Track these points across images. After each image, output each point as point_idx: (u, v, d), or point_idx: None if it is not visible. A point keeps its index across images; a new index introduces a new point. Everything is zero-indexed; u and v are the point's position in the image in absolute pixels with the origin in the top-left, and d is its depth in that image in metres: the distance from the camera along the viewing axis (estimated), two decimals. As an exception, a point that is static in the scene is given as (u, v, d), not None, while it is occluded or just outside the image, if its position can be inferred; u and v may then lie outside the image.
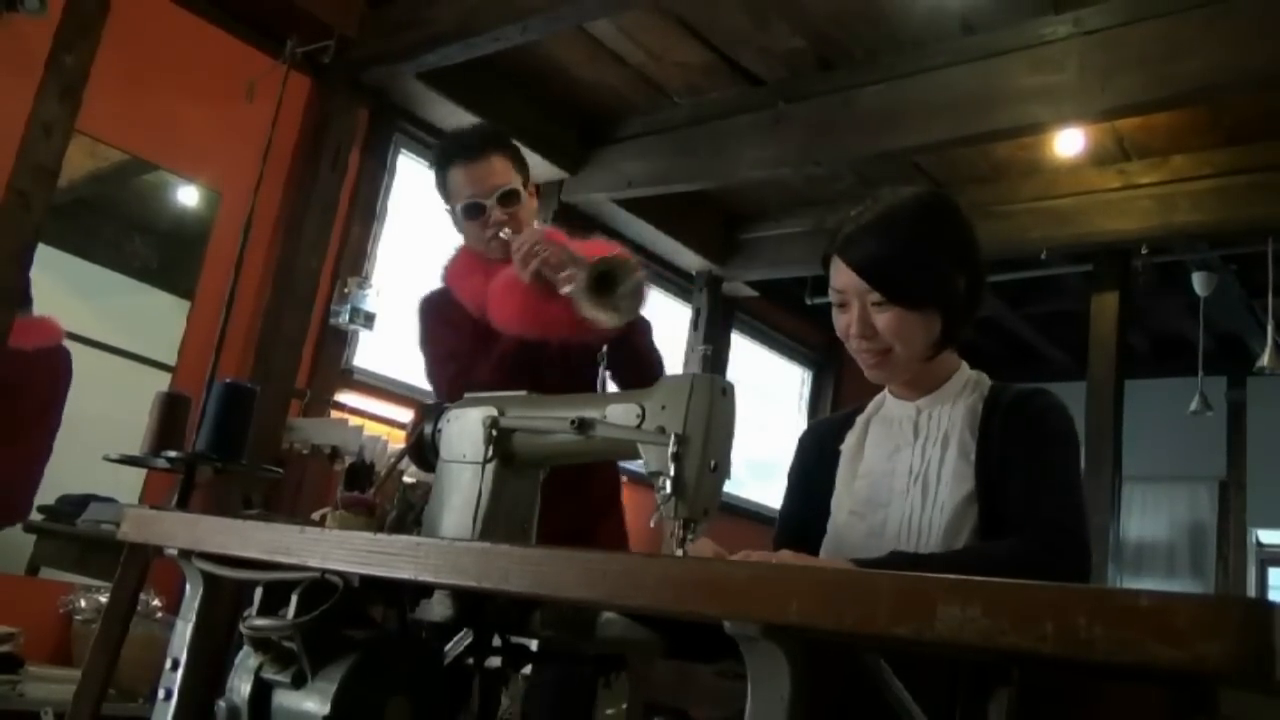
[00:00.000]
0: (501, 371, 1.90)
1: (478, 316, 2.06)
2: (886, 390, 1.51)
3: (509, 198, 2.10)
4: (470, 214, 2.09)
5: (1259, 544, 6.75)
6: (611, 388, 1.90)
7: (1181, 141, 4.28)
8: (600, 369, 1.74)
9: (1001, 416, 1.39)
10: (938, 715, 1.09)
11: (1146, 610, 0.61)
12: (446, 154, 2.14)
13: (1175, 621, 0.60)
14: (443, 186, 2.14)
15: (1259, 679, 0.60)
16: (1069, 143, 4.33)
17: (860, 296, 1.38)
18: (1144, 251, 4.78)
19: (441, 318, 2.10)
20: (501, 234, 2.08)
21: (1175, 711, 0.74)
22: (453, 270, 2.17)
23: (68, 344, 3.38)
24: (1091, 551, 1.30)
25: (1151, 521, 6.78)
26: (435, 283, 2.20)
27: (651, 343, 2.06)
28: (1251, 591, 6.60)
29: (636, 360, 1.95)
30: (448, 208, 2.17)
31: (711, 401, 1.17)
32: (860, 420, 1.52)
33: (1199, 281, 5.01)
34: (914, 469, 1.39)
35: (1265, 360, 4.80)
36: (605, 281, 1.86)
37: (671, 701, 1.81)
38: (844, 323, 1.42)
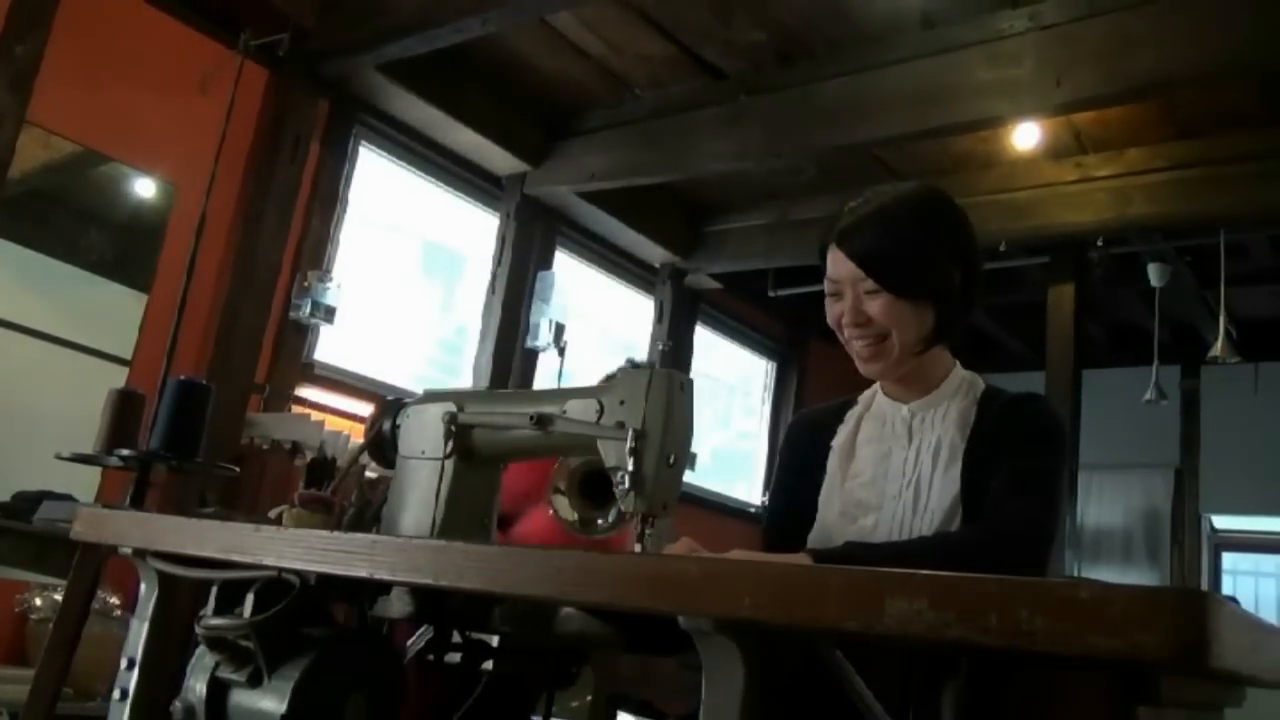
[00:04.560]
0: None
1: None
2: (879, 388, 1.50)
3: None
4: None
5: (1213, 529, 6.88)
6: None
7: (1136, 135, 4.34)
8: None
9: (992, 422, 1.39)
10: (894, 705, 1.10)
11: (1085, 602, 0.63)
12: None
13: (1113, 612, 0.62)
14: None
15: (1195, 665, 0.62)
16: (1026, 136, 4.38)
17: (854, 285, 1.37)
18: (1100, 243, 4.86)
19: None
20: None
21: (1119, 698, 0.76)
22: None
23: (25, 338, 3.34)
24: (1051, 544, 1.30)
25: (1109, 509, 6.89)
26: None
27: None
28: (1206, 575, 6.73)
29: None
30: None
31: (669, 396, 1.18)
32: (852, 416, 1.51)
33: (1154, 273, 5.09)
34: (906, 474, 1.39)
35: (1218, 350, 4.89)
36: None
37: (635, 693, 1.82)
38: (836, 312, 1.41)
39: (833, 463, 1.48)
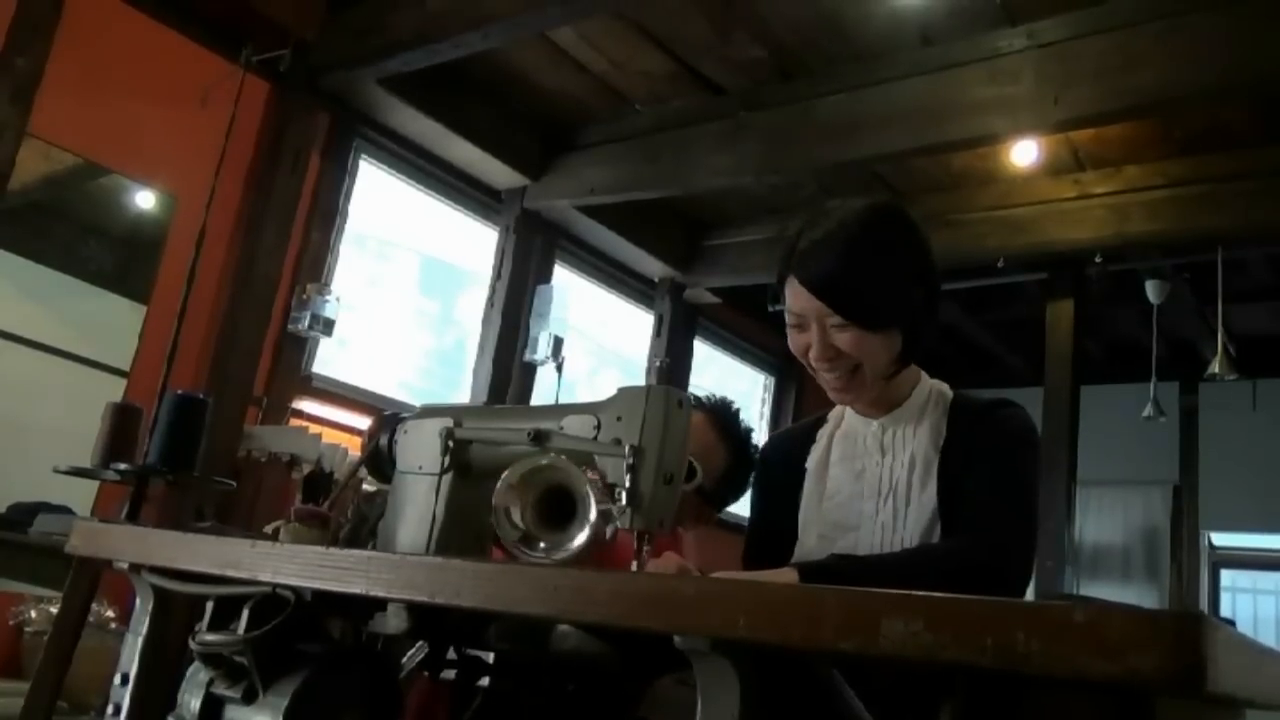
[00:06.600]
0: None
1: None
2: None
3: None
4: None
5: (1211, 546, 6.87)
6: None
7: (1134, 152, 4.35)
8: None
9: (965, 432, 1.38)
10: (890, 723, 1.10)
11: (1081, 625, 0.63)
12: None
13: (1109, 635, 0.61)
14: None
15: (1191, 689, 0.61)
16: (1025, 153, 4.39)
17: (820, 319, 1.33)
18: (1098, 260, 4.86)
19: None
20: None
21: (1115, 720, 0.76)
22: None
23: (24, 349, 3.34)
24: (1034, 551, 1.30)
25: (1107, 525, 6.88)
26: None
27: None
28: (1205, 593, 6.72)
29: None
30: None
31: (667, 413, 1.18)
32: (823, 435, 1.50)
33: (1152, 289, 5.10)
34: (882, 492, 1.38)
35: (1216, 366, 4.89)
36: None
37: (634, 710, 1.80)
38: (801, 343, 1.38)
39: (808, 484, 1.47)
